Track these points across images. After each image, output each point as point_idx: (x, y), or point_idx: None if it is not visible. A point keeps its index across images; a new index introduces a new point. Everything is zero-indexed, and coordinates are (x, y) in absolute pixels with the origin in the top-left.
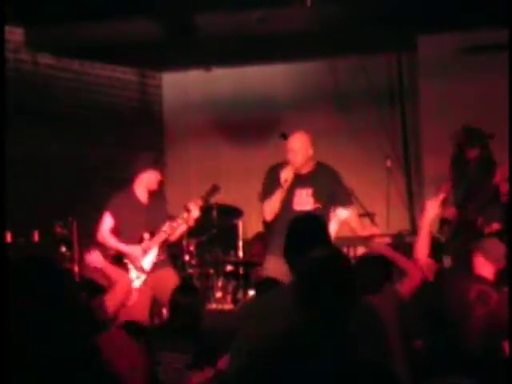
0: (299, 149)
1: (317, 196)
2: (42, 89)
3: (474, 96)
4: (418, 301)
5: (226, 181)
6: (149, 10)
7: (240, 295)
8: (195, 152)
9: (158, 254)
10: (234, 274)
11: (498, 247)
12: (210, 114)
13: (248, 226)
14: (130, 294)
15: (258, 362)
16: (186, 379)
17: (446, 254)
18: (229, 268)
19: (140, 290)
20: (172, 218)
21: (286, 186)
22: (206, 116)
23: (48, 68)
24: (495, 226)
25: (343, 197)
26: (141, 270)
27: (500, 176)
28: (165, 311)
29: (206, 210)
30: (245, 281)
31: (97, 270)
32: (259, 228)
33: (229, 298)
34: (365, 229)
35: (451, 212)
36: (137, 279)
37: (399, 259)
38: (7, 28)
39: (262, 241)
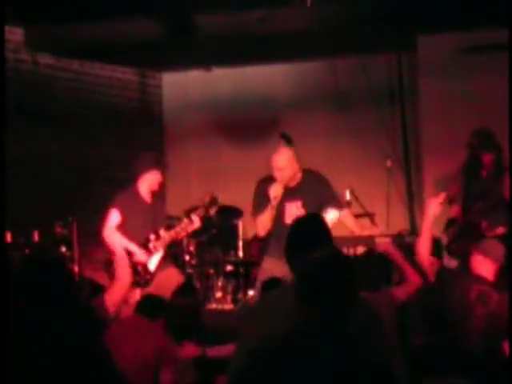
0: (285, 166)
1: (307, 207)
2: (42, 89)
3: (474, 96)
4: (418, 300)
5: (225, 181)
6: (149, 9)
7: (240, 295)
8: (195, 152)
9: (163, 256)
10: (234, 274)
11: (498, 247)
12: (210, 114)
13: (248, 226)
14: (129, 292)
15: (258, 361)
16: (191, 374)
17: (448, 254)
18: (229, 268)
19: (143, 289)
20: (171, 218)
21: (275, 202)
22: (206, 116)
23: (48, 68)
24: (500, 230)
25: (333, 202)
26: (145, 270)
27: (508, 180)
28: None
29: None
30: (245, 281)
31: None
32: None
33: (229, 298)
34: (363, 228)
35: (458, 212)
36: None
37: (402, 262)
38: (7, 28)
39: (261, 241)
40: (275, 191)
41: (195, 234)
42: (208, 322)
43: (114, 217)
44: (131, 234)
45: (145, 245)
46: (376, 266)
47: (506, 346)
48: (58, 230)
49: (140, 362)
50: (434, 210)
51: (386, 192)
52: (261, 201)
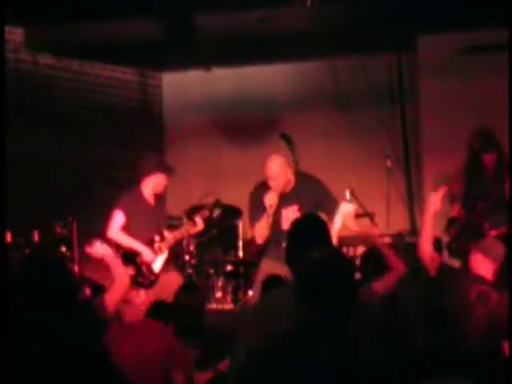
0: (278, 174)
1: (303, 210)
2: (42, 89)
3: (474, 96)
4: (419, 298)
5: (225, 181)
6: (149, 9)
7: (240, 295)
8: (195, 152)
9: (168, 257)
10: (233, 274)
11: (498, 247)
12: (210, 114)
13: (248, 226)
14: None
15: (258, 361)
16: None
17: (449, 254)
18: (229, 268)
19: (147, 290)
20: (171, 217)
21: (271, 211)
22: (206, 116)
23: (48, 68)
24: (501, 230)
25: (329, 204)
26: (150, 270)
27: (509, 180)
28: None
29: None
30: (245, 281)
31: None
32: None
33: (229, 298)
34: (363, 228)
35: (459, 211)
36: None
37: (385, 249)
38: (7, 28)
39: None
40: (270, 200)
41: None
42: (208, 322)
43: (118, 218)
44: (135, 236)
45: (150, 245)
46: (367, 260)
47: (505, 345)
48: (58, 230)
49: (154, 363)
50: (435, 204)
51: (386, 192)
52: (256, 209)
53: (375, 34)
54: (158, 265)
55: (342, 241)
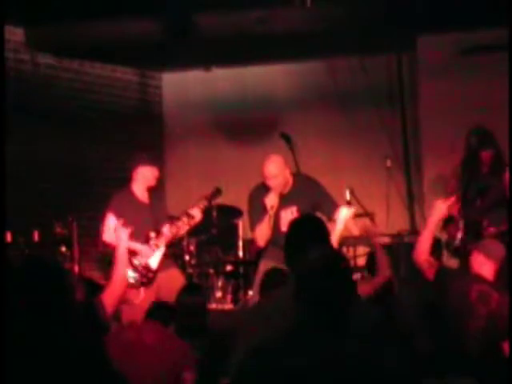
0: (277, 174)
1: (302, 211)
2: (42, 89)
3: (474, 96)
4: (419, 300)
5: (225, 181)
6: (149, 9)
7: (240, 295)
8: (195, 152)
9: (165, 254)
10: (233, 274)
11: (498, 247)
12: (210, 114)
13: (248, 226)
14: (129, 292)
15: (259, 361)
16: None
17: (448, 252)
18: (229, 268)
19: (146, 289)
20: (172, 217)
21: (272, 212)
22: (206, 116)
23: (48, 68)
24: (500, 228)
25: (328, 206)
26: (147, 268)
27: (508, 178)
28: None
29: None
30: (245, 281)
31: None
32: None
33: (229, 298)
34: (363, 228)
35: (456, 209)
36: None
37: (380, 250)
38: (7, 28)
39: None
40: (271, 200)
41: (195, 233)
42: (208, 322)
43: (111, 221)
44: (130, 235)
45: (146, 243)
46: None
47: (506, 345)
48: (58, 230)
49: (167, 366)
50: (441, 212)
51: (386, 192)
52: (256, 212)
53: (375, 34)
54: (154, 261)
55: (342, 241)
